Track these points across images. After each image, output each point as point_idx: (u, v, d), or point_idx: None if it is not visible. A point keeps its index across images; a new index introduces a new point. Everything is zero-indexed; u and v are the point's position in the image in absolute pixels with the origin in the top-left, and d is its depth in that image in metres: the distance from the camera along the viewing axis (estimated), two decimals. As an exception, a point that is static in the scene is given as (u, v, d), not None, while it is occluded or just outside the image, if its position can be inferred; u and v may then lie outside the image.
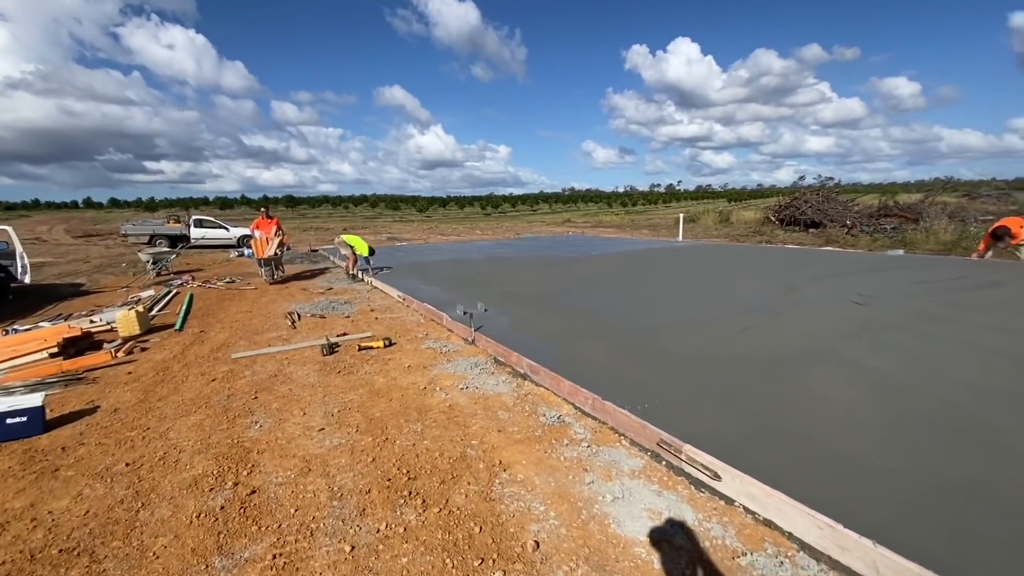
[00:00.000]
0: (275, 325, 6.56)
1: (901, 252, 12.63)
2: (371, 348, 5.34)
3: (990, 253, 11.12)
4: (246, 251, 15.30)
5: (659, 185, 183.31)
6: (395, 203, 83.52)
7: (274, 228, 10.30)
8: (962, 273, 8.91)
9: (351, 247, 10.64)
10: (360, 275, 10.53)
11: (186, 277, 10.61)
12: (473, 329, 5.48)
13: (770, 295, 7.22)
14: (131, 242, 19.49)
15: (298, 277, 10.90)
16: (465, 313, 6.37)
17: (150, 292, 9.08)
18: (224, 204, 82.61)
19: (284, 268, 10.68)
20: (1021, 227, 10.76)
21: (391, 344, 5.46)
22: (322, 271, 11.95)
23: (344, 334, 5.96)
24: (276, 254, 10.09)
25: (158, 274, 11.31)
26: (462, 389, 4.13)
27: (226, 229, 19.37)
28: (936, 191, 28.15)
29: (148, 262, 11.35)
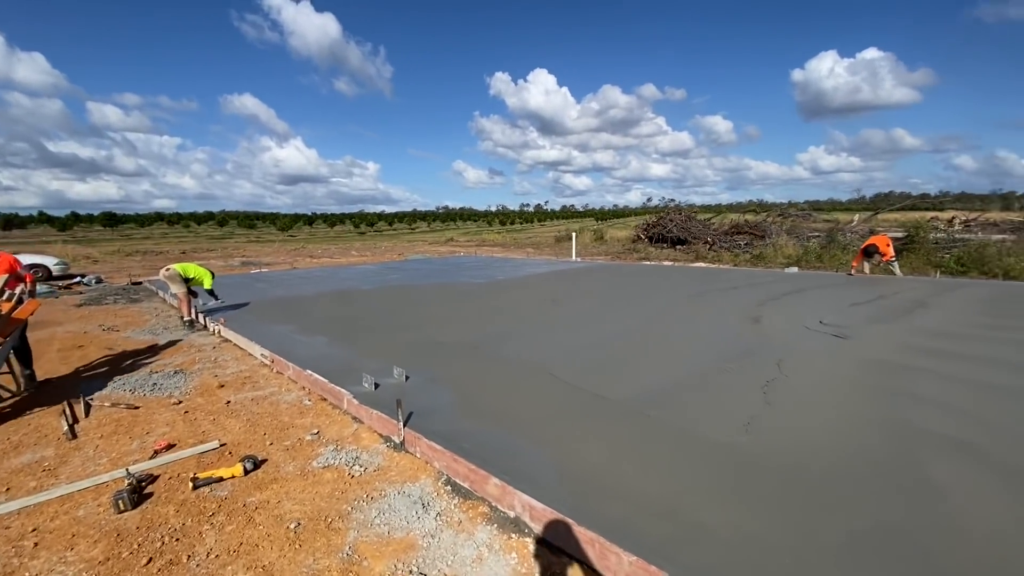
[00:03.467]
0: (37, 432, 3.79)
1: (796, 269, 13.03)
2: (220, 480, 3.02)
3: (866, 268, 11.81)
4: (18, 291, 4.96)
5: (528, 205, 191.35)
6: (250, 220, 73.90)
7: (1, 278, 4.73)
8: (877, 292, 8.93)
9: (187, 280, 7.67)
10: (203, 321, 7.62)
11: None
12: (403, 423, 3.43)
13: (739, 331, 6.18)
14: None
15: (105, 330, 7.56)
16: (377, 387, 4.29)
17: None
18: (9, 223, 64.06)
19: (33, 378, 4.82)
20: (888, 245, 11.62)
21: (258, 466, 3.17)
22: (161, 340, 8.63)
23: (168, 447, 3.50)
24: None
25: None
26: (419, 586, 2.12)
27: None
28: (774, 212, 31.97)
29: None
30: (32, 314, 4.84)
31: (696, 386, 4.20)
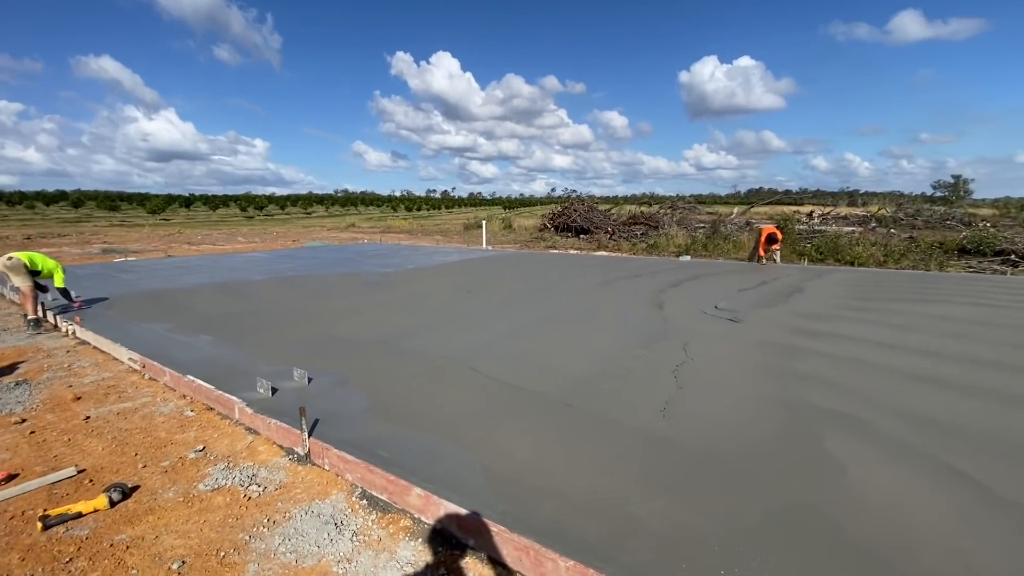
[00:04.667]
0: None
1: (688, 257, 14.04)
2: (79, 515, 2.49)
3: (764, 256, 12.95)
4: None
5: (435, 191, 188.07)
6: (112, 201, 64.39)
7: None
8: (760, 278, 9.85)
9: (34, 273, 6.43)
10: (53, 320, 6.44)
11: None
12: (307, 432, 3.08)
13: (646, 317, 6.46)
14: None
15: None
16: (275, 392, 3.87)
17: None
18: None
19: None
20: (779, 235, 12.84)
21: (127, 495, 2.67)
22: None
23: (9, 478, 2.85)
24: None
25: None
26: (335, 623, 1.88)
27: None
28: (665, 204, 34.40)
29: None
30: None
31: (613, 373, 4.29)
